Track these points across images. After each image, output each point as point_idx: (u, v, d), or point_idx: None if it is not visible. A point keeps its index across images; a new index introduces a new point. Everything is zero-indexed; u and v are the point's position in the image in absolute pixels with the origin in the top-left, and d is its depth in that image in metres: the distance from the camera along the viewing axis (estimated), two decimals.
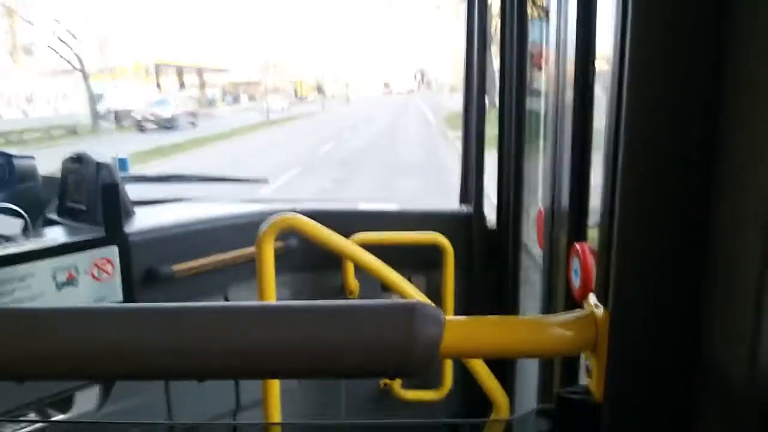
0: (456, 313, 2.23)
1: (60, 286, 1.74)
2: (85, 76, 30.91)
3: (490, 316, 0.78)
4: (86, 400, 1.87)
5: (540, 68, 1.86)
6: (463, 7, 2.23)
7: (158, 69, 48.20)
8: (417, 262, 2.28)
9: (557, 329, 0.76)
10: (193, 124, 30.25)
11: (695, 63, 0.66)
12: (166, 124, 27.86)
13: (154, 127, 27.72)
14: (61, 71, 32.23)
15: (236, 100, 67.97)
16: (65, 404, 1.84)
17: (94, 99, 30.43)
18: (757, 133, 0.60)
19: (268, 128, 30.04)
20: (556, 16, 1.40)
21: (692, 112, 0.67)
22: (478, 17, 2.12)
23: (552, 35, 1.44)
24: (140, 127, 28.41)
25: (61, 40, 30.61)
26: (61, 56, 30.75)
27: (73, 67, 30.83)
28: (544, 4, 1.77)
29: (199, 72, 61.05)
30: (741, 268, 0.63)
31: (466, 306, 2.28)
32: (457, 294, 2.23)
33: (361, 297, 2.31)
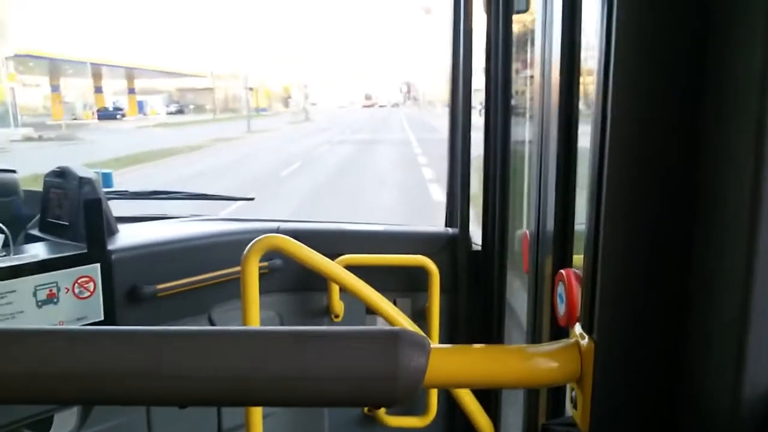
0: (441, 336, 2.22)
1: (40, 304, 1.71)
2: None
3: (475, 345, 0.78)
4: (65, 422, 1.84)
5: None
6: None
7: (53, 66, 36.18)
8: (402, 284, 2.28)
9: (543, 359, 0.76)
10: None
11: (679, 90, 0.67)
12: None
13: None
14: None
15: (181, 110, 57.76)
16: (43, 426, 1.81)
17: None
18: (740, 164, 0.61)
19: None
20: (541, 37, 1.41)
21: (677, 139, 0.67)
22: (463, 38, 2.13)
23: (537, 56, 1.45)
24: None
25: None
26: None
27: None
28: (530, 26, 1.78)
29: (129, 74, 48.96)
30: (725, 298, 0.63)
31: (451, 329, 2.28)
32: (443, 317, 2.22)
33: (345, 319, 2.29)
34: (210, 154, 22.87)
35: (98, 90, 49.17)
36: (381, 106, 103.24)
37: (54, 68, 37.23)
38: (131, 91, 52.85)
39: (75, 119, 43.63)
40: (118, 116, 46.78)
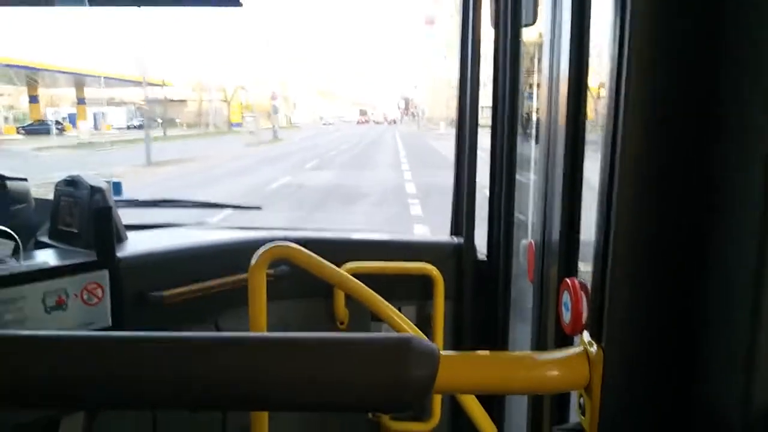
0: (445, 344, 2.23)
1: (49, 310, 1.73)
2: None
3: (484, 352, 0.78)
4: (71, 426, 1.84)
5: None
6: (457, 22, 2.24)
7: None
8: (407, 291, 2.29)
9: (551, 367, 0.76)
10: None
11: (688, 104, 0.68)
12: None
13: None
14: None
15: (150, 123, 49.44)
16: (49, 430, 1.82)
17: None
18: (752, 180, 0.62)
19: None
20: (549, 49, 1.43)
21: (688, 152, 0.68)
22: (471, 52, 2.15)
23: (545, 68, 1.47)
24: None
25: None
26: None
27: None
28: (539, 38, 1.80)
29: (78, 82, 39.94)
30: (735, 307, 0.64)
31: (455, 337, 2.28)
32: (447, 325, 2.23)
33: (351, 326, 2.31)
34: None
35: (33, 99, 41.76)
36: (377, 123, 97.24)
37: None
38: (81, 101, 44.85)
39: None
40: (56, 131, 39.44)
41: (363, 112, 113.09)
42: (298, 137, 47.16)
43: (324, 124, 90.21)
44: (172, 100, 54.63)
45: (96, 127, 45.79)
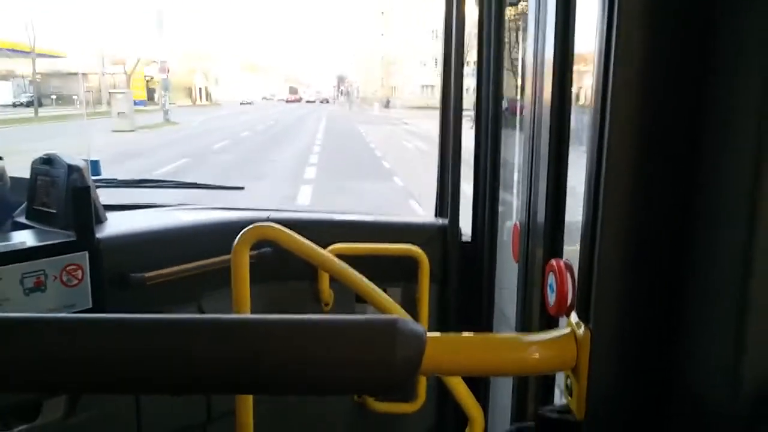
0: (430, 325, 2.23)
1: (28, 292, 1.70)
2: None
3: (470, 334, 0.78)
4: (53, 409, 1.83)
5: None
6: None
7: None
8: (392, 273, 2.28)
9: (538, 348, 0.76)
10: None
11: (678, 84, 0.67)
12: None
13: None
14: None
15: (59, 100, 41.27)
16: (30, 413, 1.80)
17: None
18: (740, 156, 0.61)
19: None
20: (534, 27, 1.42)
21: (675, 131, 0.68)
22: (455, 30, 2.13)
23: (529, 46, 1.46)
24: None
25: None
26: None
27: None
28: (521, 23, 1.79)
29: None
30: (723, 289, 0.64)
31: (440, 318, 2.29)
32: (432, 306, 2.23)
33: (335, 307, 2.30)
34: None
35: None
36: (309, 102, 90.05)
37: None
38: None
39: None
40: None
41: (293, 90, 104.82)
42: (200, 119, 39.24)
43: (242, 104, 78.87)
44: (71, 74, 47.01)
45: None
